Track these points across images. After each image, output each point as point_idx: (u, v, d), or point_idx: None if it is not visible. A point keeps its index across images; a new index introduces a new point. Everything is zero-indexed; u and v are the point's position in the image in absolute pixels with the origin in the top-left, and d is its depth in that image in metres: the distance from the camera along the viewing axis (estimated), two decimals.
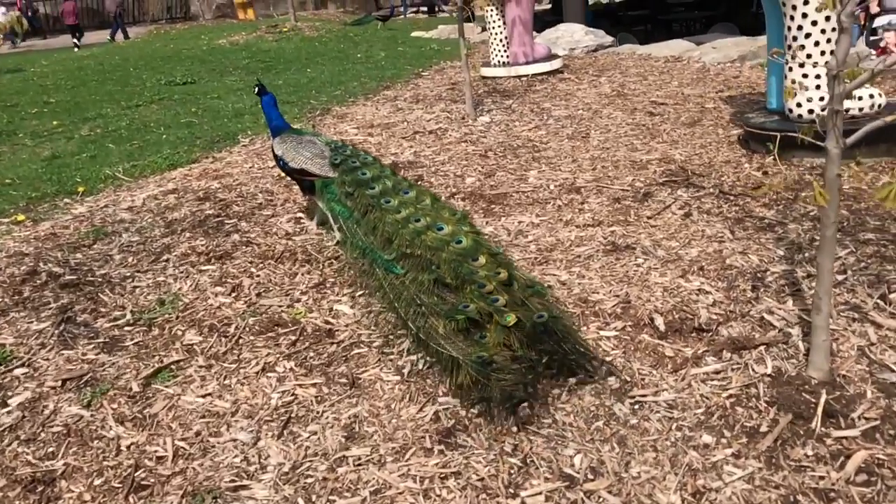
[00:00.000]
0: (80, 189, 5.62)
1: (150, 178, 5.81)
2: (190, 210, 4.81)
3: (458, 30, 6.59)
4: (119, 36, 21.71)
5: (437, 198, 3.68)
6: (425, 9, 30.22)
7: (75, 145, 7.25)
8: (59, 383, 3.05)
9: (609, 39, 11.79)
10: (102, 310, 3.62)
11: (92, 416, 2.85)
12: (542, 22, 14.19)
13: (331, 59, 12.00)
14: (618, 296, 3.33)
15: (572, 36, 11.72)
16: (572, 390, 2.79)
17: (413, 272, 3.12)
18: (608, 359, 2.93)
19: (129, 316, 3.53)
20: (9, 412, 2.89)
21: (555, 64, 8.58)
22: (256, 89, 4.51)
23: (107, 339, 3.36)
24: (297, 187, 4.55)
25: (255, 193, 5.01)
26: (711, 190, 4.29)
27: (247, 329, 3.36)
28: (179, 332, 3.38)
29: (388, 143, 5.90)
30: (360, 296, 3.55)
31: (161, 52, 14.36)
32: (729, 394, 2.69)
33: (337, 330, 3.31)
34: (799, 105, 4.47)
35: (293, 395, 2.91)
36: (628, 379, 2.82)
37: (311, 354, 3.15)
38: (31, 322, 3.54)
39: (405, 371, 2.99)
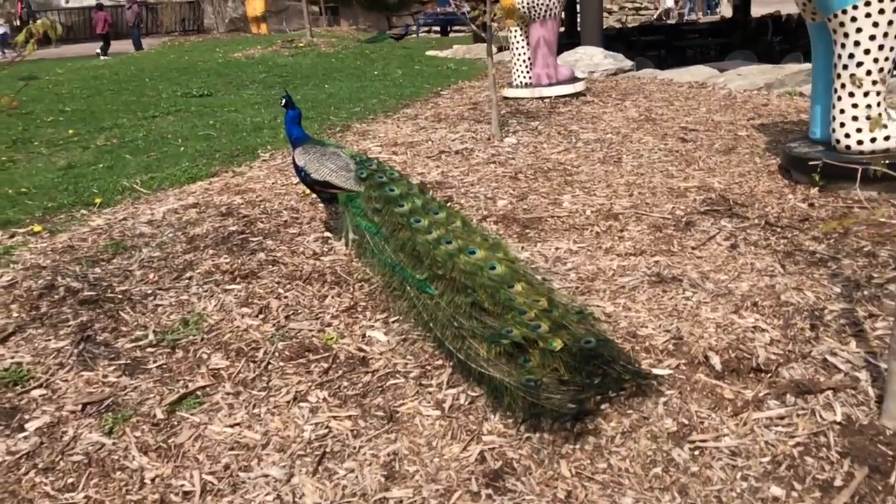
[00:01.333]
0: (97, 200, 5.47)
1: (168, 191, 5.66)
2: (212, 226, 4.66)
3: (487, 49, 6.48)
4: (123, 46, 21.82)
5: (466, 221, 3.57)
6: (437, 29, 30.38)
7: (91, 155, 7.12)
8: (79, 407, 2.88)
9: (629, 63, 11.70)
10: (123, 329, 3.45)
11: (114, 444, 2.68)
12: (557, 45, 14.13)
13: (348, 75, 11.91)
14: (668, 331, 3.16)
15: (591, 59, 11.63)
16: (626, 433, 2.61)
17: (448, 294, 3.01)
18: (663, 399, 2.76)
19: (151, 336, 3.36)
20: (26, 437, 2.72)
21: (578, 86, 8.47)
22: (283, 101, 4.37)
23: (128, 361, 3.19)
24: (322, 205, 4.41)
25: (280, 210, 4.86)
26: (756, 221, 4.13)
27: (276, 354, 3.19)
28: (205, 356, 3.22)
29: (413, 163, 5.76)
30: (393, 322, 3.38)
31: (176, 63, 14.30)
32: (796, 442, 2.52)
33: (371, 358, 3.14)
34: (848, 136, 4.32)
35: (327, 427, 2.74)
36: (686, 422, 2.65)
37: (345, 384, 2.98)
38: (50, 340, 3.37)
39: (446, 405, 2.81)
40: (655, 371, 2.91)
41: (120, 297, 3.77)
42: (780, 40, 19.27)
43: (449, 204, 4.70)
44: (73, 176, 6.31)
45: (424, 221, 3.40)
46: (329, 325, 3.41)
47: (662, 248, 3.90)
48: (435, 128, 7.08)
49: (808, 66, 8.69)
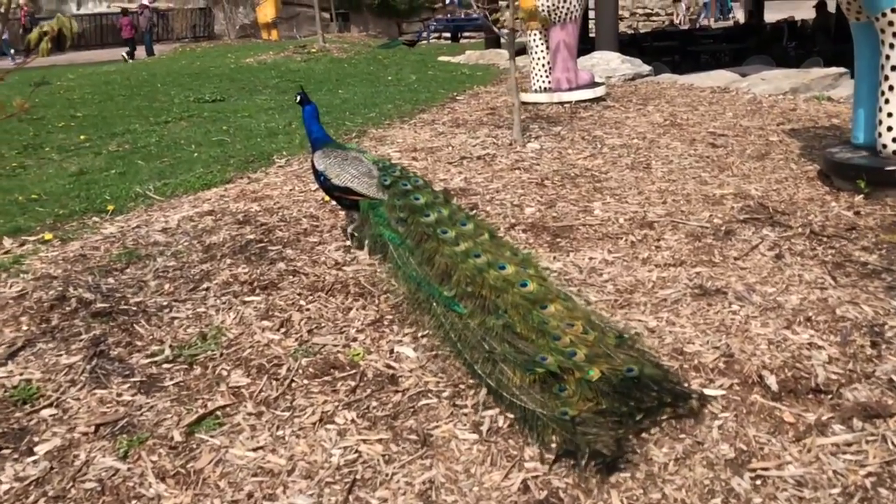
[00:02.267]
0: (110, 207, 5.31)
1: (182, 198, 5.50)
2: (229, 234, 4.49)
3: (509, 53, 6.31)
4: (139, 52, 21.82)
5: (494, 233, 3.40)
6: (448, 35, 30.23)
7: (103, 161, 6.97)
8: (92, 429, 2.70)
9: (646, 68, 11.50)
10: (138, 343, 3.28)
11: (129, 469, 2.50)
12: None
13: (361, 80, 11.75)
14: (717, 348, 2.96)
15: (608, 64, 11.43)
16: (680, 459, 2.42)
17: (478, 314, 2.84)
18: (718, 422, 2.56)
19: (167, 351, 3.18)
20: (35, 462, 2.54)
21: (598, 91, 8.28)
22: (298, 98, 4.19)
23: (144, 378, 3.01)
24: (343, 212, 4.24)
25: (299, 218, 4.68)
26: (800, 230, 3.93)
27: (300, 371, 3.01)
28: (224, 373, 3.04)
29: (434, 168, 5.58)
30: (422, 336, 3.19)
31: (188, 69, 14.18)
32: (867, 471, 2.32)
33: (400, 376, 2.96)
34: (895, 140, 4.12)
35: (357, 452, 2.55)
36: (744, 447, 2.45)
37: (374, 404, 2.80)
38: (61, 355, 3.20)
39: (483, 428, 2.62)
40: (707, 392, 2.71)
41: (134, 309, 3.59)
42: (795, 45, 19.04)
43: (474, 212, 4.53)
44: (84, 182, 6.16)
45: (451, 233, 3.24)
46: (354, 339, 3.23)
47: (703, 259, 3.71)
48: (454, 133, 6.90)
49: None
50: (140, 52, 22.46)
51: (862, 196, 4.23)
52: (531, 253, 3.88)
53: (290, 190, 5.35)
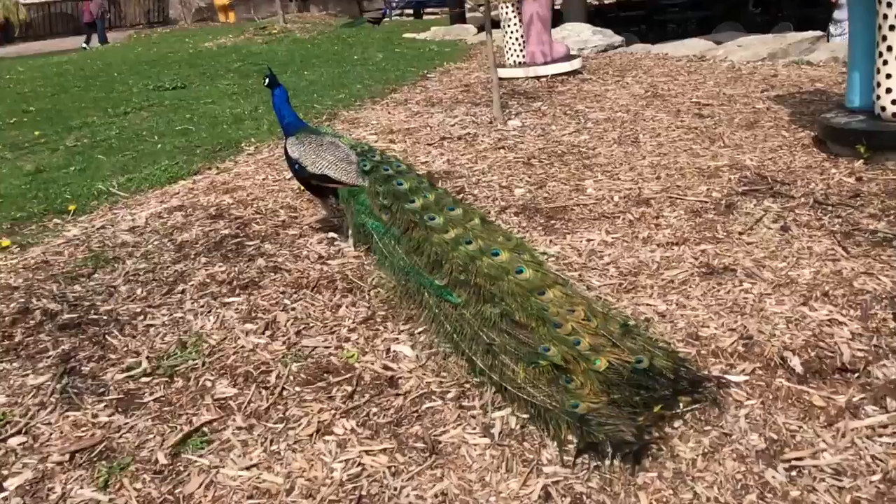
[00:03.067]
0: (71, 207, 5.01)
1: (149, 194, 5.20)
2: (202, 230, 4.23)
3: (486, 27, 6.06)
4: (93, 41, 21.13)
5: (485, 217, 3.23)
6: (410, 11, 29.72)
7: (61, 157, 6.62)
8: (67, 457, 2.46)
9: (618, 39, 11.31)
10: (112, 356, 3.03)
11: (111, 500, 2.27)
12: None
13: (326, 61, 11.41)
14: (733, 329, 2.80)
15: (580, 35, 11.21)
16: (708, 454, 2.25)
17: (474, 303, 2.67)
18: (744, 411, 2.40)
19: (144, 364, 2.94)
20: (5, 499, 2.30)
21: (574, 64, 8.07)
22: (266, 80, 3.95)
23: (121, 395, 2.77)
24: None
25: (276, 210, 4.43)
26: (803, 200, 3.78)
27: (291, 378, 2.79)
28: (208, 384, 2.81)
29: (414, 151, 5.35)
30: (419, 333, 2.98)
31: (145, 56, 13.69)
32: None
33: (400, 377, 2.75)
34: (895, 102, 3.98)
35: (360, 465, 2.35)
36: (775, 436, 2.29)
37: (374, 410, 2.59)
38: (27, 375, 2.94)
39: (494, 431, 2.43)
40: (729, 377, 2.55)
41: (105, 318, 3.34)
42: (761, 11, 18.97)
43: (461, 196, 4.32)
44: (42, 181, 5.82)
45: (440, 219, 3.07)
46: (347, 339, 3.02)
47: (706, 236, 3.54)
48: (430, 113, 6.66)
49: (810, 34, 8.40)
50: (68, 43, 21.73)
51: (862, 161, 4.10)
52: (525, 238, 3.69)
53: (264, 179, 5.09)
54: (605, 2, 25.16)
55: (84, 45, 20.69)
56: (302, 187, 4.11)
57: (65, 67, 13.44)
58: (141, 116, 8.18)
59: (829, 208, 3.65)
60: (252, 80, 10.01)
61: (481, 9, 6.12)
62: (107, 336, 3.18)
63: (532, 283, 2.68)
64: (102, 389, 2.81)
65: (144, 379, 2.86)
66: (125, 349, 3.07)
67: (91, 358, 3.02)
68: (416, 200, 3.18)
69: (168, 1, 31.75)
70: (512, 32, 8.08)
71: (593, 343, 2.43)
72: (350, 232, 3.69)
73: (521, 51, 8.07)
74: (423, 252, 2.97)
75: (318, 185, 3.64)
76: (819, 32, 8.48)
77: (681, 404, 2.40)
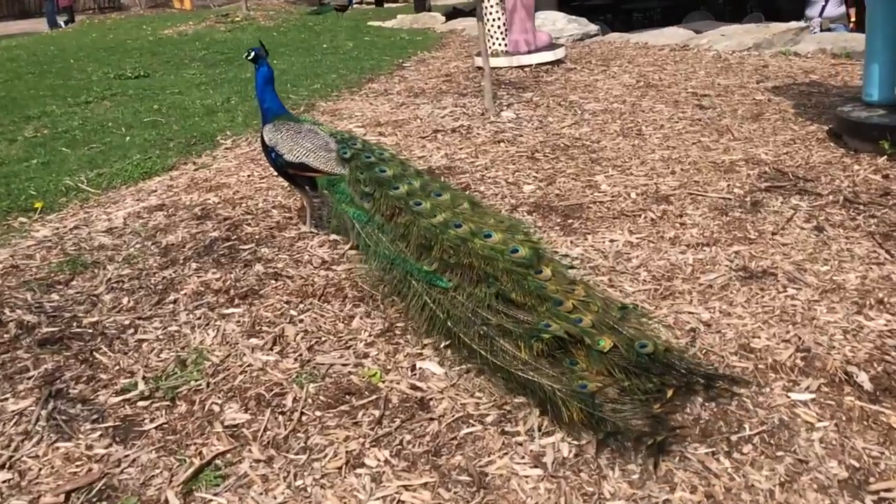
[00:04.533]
0: (38, 204, 4.61)
1: (123, 190, 4.84)
2: (189, 232, 3.90)
3: (477, 14, 5.80)
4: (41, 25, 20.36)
5: (476, 201, 3.08)
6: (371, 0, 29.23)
7: (21, 149, 6.17)
8: (62, 498, 2.15)
9: (594, 28, 11.12)
10: (103, 377, 2.71)
11: None
12: None
13: (295, 49, 11.01)
14: (788, 341, 2.61)
15: (555, 24, 10.99)
16: (786, 484, 2.05)
17: (466, 286, 2.55)
18: (817, 434, 2.20)
19: (141, 385, 2.63)
20: None
21: (559, 53, 7.85)
22: (251, 54, 3.70)
23: (118, 423, 2.46)
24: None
25: (268, 210, 4.12)
26: (832, 198, 3.61)
27: (309, 401, 2.51)
28: (216, 408, 2.52)
29: (408, 144, 5.07)
30: (445, 347, 2.73)
31: (101, 42, 13.08)
32: None
33: (431, 398, 2.49)
34: None
35: (400, 503, 2.09)
36: (856, 464, 2.10)
37: (408, 437, 2.33)
38: (6, 398, 2.61)
39: (546, 461, 2.19)
40: (794, 396, 2.35)
41: (90, 332, 3.01)
42: (724, 2, 19.06)
43: (466, 192, 4.06)
44: (2, 175, 5.39)
45: (426, 204, 2.91)
46: (365, 356, 2.75)
47: (738, 236, 3.35)
48: (416, 104, 6.37)
49: (794, 24, 8.31)
50: (27, 26, 20.91)
51: (885, 158, 3.95)
52: (542, 238, 3.46)
53: (249, 176, 4.76)
54: None
55: (63, 25, 20.19)
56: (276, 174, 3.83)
57: (16, 52, 12.77)
58: (104, 106, 7.72)
59: (861, 207, 3.49)
60: (219, 69, 9.58)
61: None
62: (94, 353, 2.86)
63: (529, 261, 2.56)
64: (96, 415, 2.50)
65: (142, 403, 2.56)
66: (117, 368, 2.76)
67: (79, 378, 2.70)
68: (401, 187, 3.03)
69: None
70: (495, 20, 7.82)
71: (595, 321, 2.33)
72: (309, 213, 3.63)
73: (504, 39, 7.82)
74: (409, 238, 2.83)
75: (294, 174, 3.47)
76: (802, 24, 8.40)
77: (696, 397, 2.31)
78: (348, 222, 3.15)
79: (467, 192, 3.89)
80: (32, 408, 2.54)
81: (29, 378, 2.71)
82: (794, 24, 8.21)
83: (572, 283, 2.55)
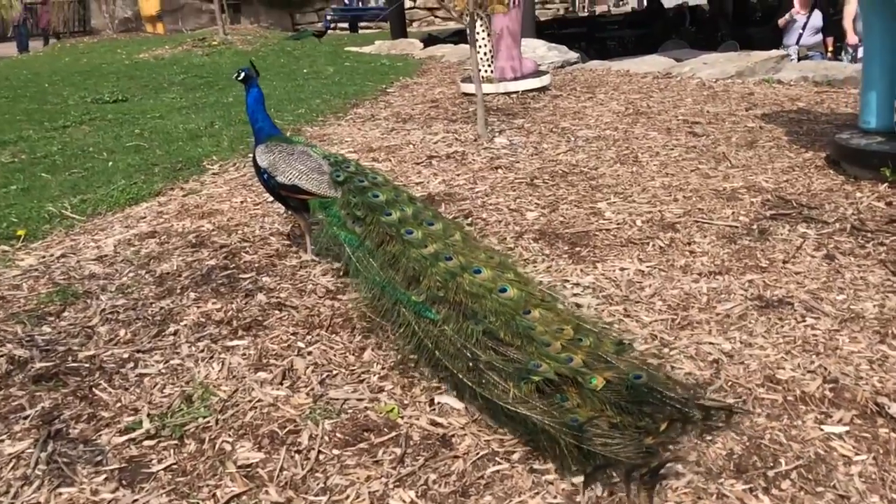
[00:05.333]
0: (20, 232, 4.45)
1: (108, 217, 4.69)
2: (184, 260, 3.78)
3: (469, 40, 5.78)
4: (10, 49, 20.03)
5: (468, 233, 3.09)
6: (346, 25, 29.36)
7: None
8: None
9: (574, 55, 11.21)
10: (104, 415, 2.58)
11: None
12: None
13: (276, 74, 10.93)
14: (813, 372, 2.56)
15: (535, 51, 11.04)
16: None
17: (454, 320, 2.50)
18: (855, 468, 2.15)
19: (146, 423, 2.50)
20: None
21: (544, 80, 7.88)
22: (241, 74, 3.66)
23: (123, 464, 2.33)
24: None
25: (266, 237, 4.01)
26: (839, 226, 3.60)
27: (325, 438, 2.40)
28: (227, 446, 2.40)
29: (403, 170, 5.00)
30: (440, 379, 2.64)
31: (75, 66, 12.88)
32: None
33: (453, 435, 2.40)
34: None
35: None
36: None
37: (433, 477, 2.23)
38: (2, 441, 2.46)
39: (580, 499, 2.11)
40: (827, 428, 2.30)
41: (87, 366, 2.87)
42: (696, 30, 19.42)
43: (469, 220, 4.00)
44: None
45: (418, 233, 2.88)
46: (380, 389, 2.65)
47: (749, 264, 3.32)
48: (406, 129, 6.32)
49: (774, 53, 8.44)
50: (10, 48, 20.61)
51: (887, 185, 3.97)
52: (550, 267, 3.41)
53: (242, 202, 4.65)
54: (541, 19, 25.36)
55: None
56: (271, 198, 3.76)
57: None
58: (83, 131, 7.55)
59: (870, 235, 3.48)
60: (199, 93, 9.46)
61: (465, 19, 5.84)
62: (94, 389, 2.72)
63: (517, 303, 2.53)
64: (99, 457, 2.36)
65: (148, 442, 2.43)
66: (118, 405, 2.62)
67: (79, 417, 2.56)
68: (393, 213, 3.00)
69: (89, 9, 30.40)
70: (481, 47, 7.82)
71: (587, 360, 2.30)
72: (308, 240, 3.56)
73: (490, 66, 7.81)
74: (399, 267, 2.78)
75: (287, 196, 3.42)
76: (783, 52, 8.54)
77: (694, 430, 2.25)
78: (339, 245, 3.11)
79: (459, 221, 3.87)
80: (30, 450, 2.40)
81: (25, 417, 2.56)
82: (774, 53, 8.34)
83: (563, 320, 2.50)
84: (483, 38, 7.80)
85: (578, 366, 2.27)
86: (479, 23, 7.68)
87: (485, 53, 7.84)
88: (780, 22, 9.53)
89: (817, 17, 9.57)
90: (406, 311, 2.66)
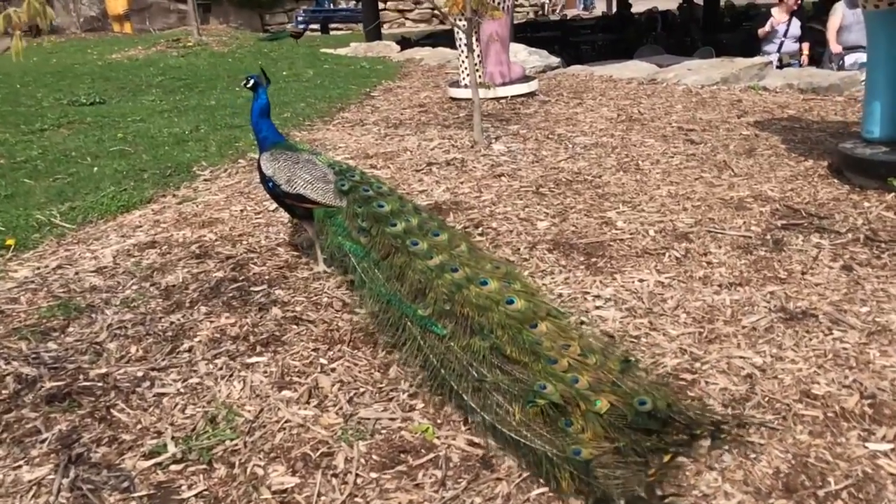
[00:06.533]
0: (10, 242, 4.29)
1: (101, 225, 4.55)
2: (189, 272, 3.66)
3: (468, 44, 5.74)
4: None
5: (473, 244, 3.02)
6: (317, 26, 29.13)
7: None
8: None
9: (555, 60, 11.25)
10: (125, 437, 2.47)
11: None
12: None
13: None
14: (849, 387, 2.55)
15: (516, 56, 10.95)
16: None
17: (461, 336, 2.47)
18: None
19: (172, 447, 2.40)
20: None
21: (532, 85, 7.86)
22: (250, 81, 3.65)
23: (152, 491, 2.23)
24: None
25: (273, 248, 3.91)
26: (851, 236, 3.62)
27: (361, 461, 2.33)
28: (259, 470, 2.31)
29: (405, 178, 4.93)
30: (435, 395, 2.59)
31: (46, 67, 12.55)
32: None
33: (493, 455, 2.34)
34: None
35: None
36: None
37: (477, 500, 2.17)
38: (19, 466, 2.35)
39: None
40: (872, 446, 2.29)
41: (101, 385, 2.76)
42: (666, 35, 19.60)
43: (479, 230, 3.95)
44: None
45: (423, 244, 2.85)
46: (411, 408, 2.58)
47: (768, 276, 3.31)
48: (399, 135, 6.25)
49: (758, 60, 8.52)
50: None
51: (894, 195, 4.00)
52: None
53: (242, 211, 4.53)
54: (514, 23, 25.38)
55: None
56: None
57: None
58: (62, 134, 7.35)
59: (884, 246, 3.50)
60: (179, 96, 9.29)
61: (461, 23, 5.80)
62: (111, 409, 2.61)
63: (524, 315, 2.50)
64: (126, 483, 2.26)
65: (175, 467, 2.33)
66: (139, 427, 2.52)
67: (99, 440, 2.45)
68: (398, 224, 2.97)
69: (54, 7, 29.76)
70: (471, 52, 7.76)
71: (592, 381, 2.26)
72: (318, 252, 3.49)
73: (478, 71, 7.76)
74: (404, 279, 2.74)
75: (292, 205, 3.39)
76: (766, 59, 8.63)
77: (700, 448, 2.23)
78: (344, 255, 3.04)
79: (463, 232, 3.84)
80: (51, 476, 2.29)
81: (42, 441, 2.45)
82: (758, 60, 8.42)
83: (569, 336, 2.46)
84: (472, 43, 7.75)
85: (584, 388, 2.23)
86: (467, 27, 7.65)
87: (476, 58, 7.79)
88: (761, 32, 9.64)
89: (796, 26, 9.71)
90: (412, 325, 2.62)
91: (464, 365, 2.41)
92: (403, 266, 2.79)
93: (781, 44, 9.47)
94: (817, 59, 9.77)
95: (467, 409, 2.40)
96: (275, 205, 4.35)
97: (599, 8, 33.43)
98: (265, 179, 3.47)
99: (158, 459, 2.35)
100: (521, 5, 34.54)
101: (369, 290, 2.84)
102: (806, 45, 9.85)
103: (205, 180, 5.45)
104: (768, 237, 3.66)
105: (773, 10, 9.84)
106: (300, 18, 28.92)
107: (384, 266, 2.84)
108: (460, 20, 6.23)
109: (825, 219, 3.83)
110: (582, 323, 2.99)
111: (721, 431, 2.29)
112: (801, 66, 9.39)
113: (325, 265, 3.51)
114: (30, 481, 2.28)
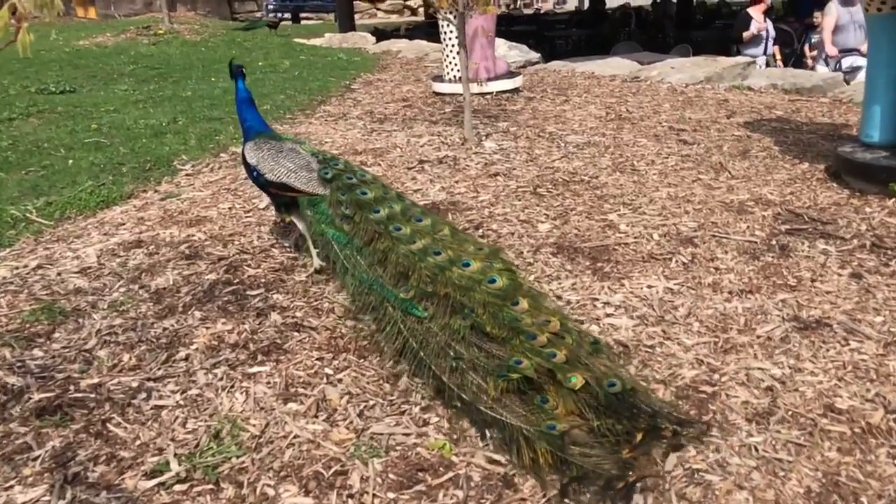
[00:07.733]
0: None
1: (81, 222, 4.36)
2: (180, 274, 3.51)
3: (459, 39, 5.62)
4: None
5: (456, 228, 3.07)
6: (288, 16, 28.72)
7: None
8: None
9: (535, 55, 11.17)
10: (124, 454, 2.33)
11: None
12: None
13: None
14: (872, 401, 2.51)
15: (496, 50, 10.97)
16: None
17: (441, 316, 2.53)
18: None
19: (174, 465, 2.27)
20: None
21: (517, 81, 7.77)
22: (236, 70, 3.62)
23: None
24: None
25: (267, 248, 3.76)
26: (857, 242, 3.59)
27: (378, 480, 2.22)
28: (270, 490, 2.19)
29: (397, 176, 4.80)
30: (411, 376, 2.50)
31: (10, 52, 12.10)
32: None
33: (514, 474, 2.25)
34: None
35: None
36: None
37: None
38: (11, 487, 2.20)
39: None
40: None
41: (94, 397, 2.61)
42: (640, 31, 19.67)
43: (480, 231, 3.85)
44: None
45: (406, 229, 2.87)
46: (426, 422, 2.47)
47: (777, 283, 3.26)
48: (386, 130, 6.11)
49: (741, 59, 8.53)
50: None
51: (895, 200, 3.99)
52: (575, 283, 3.29)
53: (230, 209, 4.37)
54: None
55: None
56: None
57: None
58: (31, 124, 7.07)
59: (890, 252, 3.48)
60: (153, 85, 9.02)
61: (451, 17, 5.67)
62: (106, 424, 2.46)
63: (505, 292, 2.54)
64: (127, 503, 2.12)
65: (180, 487, 2.20)
66: (138, 443, 2.38)
67: (96, 458, 2.31)
68: (382, 210, 3.00)
69: None
70: (453, 46, 7.65)
71: (569, 357, 2.30)
72: (312, 247, 3.40)
73: (456, 65, 7.64)
74: (387, 263, 2.78)
75: (276, 193, 3.36)
76: (749, 58, 8.65)
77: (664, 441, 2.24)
78: (326, 243, 3.06)
79: (448, 219, 3.85)
80: (46, 497, 2.15)
81: (35, 459, 2.30)
82: (741, 59, 8.44)
83: (549, 313, 2.51)
84: (456, 37, 7.63)
85: (561, 362, 2.26)
86: (446, 21, 7.53)
87: (457, 53, 7.67)
88: (746, 35, 9.67)
89: (771, 27, 9.81)
90: (393, 309, 2.64)
91: (443, 345, 2.44)
92: (386, 251, 2.81)
93: (766, 47, 9.54)
94: (786, 60, 9.89)
95: (444, 389, 2.42)
96: (265, 203, 4.22)
97: (571, 3, 33.51)
98: (249, 168, 3.47)
99: (161, 479, 2.22)
100: None
101: (351, 276, 2.86)
102: (776, 49, 9.96)
103: (186, 175, 5.26)
104: (774, 243, 3.61)
105: (752, 12, 9.87)
106: (270, 7, 28.52)
107: (367, 252, 2.86)
108: (450, 13, 6.12)
109: (829, 224, 3.80)
110: (614, 328, 2.95)
111: (683, 428, 2.29)
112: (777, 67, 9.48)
113: (318, 259, 3.38)
114: (24, 503, 2.13)
